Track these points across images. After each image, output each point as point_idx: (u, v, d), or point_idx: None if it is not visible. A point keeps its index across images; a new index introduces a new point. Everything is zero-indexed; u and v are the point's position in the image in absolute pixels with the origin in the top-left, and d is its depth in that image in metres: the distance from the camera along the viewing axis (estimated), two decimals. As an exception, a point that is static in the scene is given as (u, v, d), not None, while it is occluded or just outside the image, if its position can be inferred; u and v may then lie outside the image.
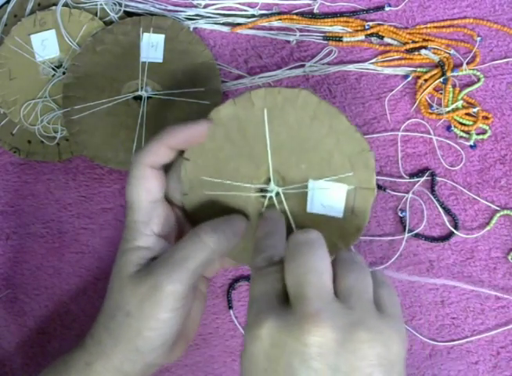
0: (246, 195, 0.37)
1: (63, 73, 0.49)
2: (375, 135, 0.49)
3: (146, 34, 0.48)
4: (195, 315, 0.39)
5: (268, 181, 0.37)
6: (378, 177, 0.48)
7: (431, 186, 0.48)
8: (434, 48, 0.50)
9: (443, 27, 0.51)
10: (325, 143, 0.36)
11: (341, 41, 0.50)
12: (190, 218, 0.38)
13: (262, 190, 0.37)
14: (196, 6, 0.52)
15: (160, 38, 0.48)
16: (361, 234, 0.37)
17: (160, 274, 0.33)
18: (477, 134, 0.49)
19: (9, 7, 0.50)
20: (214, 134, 0.36)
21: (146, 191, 0.35)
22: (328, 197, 0.36)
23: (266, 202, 0.37)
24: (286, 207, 0.37)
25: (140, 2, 0.51)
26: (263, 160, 0.36)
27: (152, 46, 0.48)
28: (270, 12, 0.52)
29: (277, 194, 0.37)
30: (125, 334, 0.34)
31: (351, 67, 0.50)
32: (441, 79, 0.49)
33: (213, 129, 0.36)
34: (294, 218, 0.37)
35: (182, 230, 0.38)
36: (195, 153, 0.37)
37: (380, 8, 0.51)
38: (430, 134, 0.49)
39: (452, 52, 0.50)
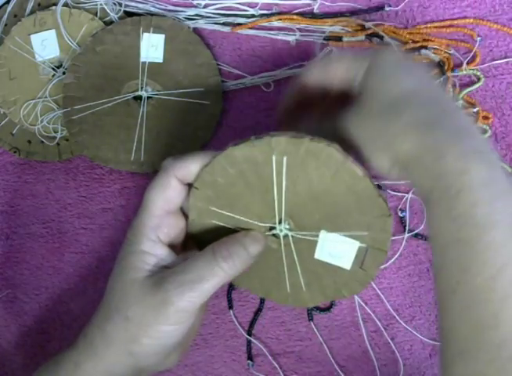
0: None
1: (63, 73, 0.49)
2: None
3: (146, 34, 0.48)
4: (194, 329, 0.38)
5: (278, 222, 0.36)
6: (378, 177, 0.48)
7: (431, 186, 0.48)
8: (434, 48, 0.50)
9: (443, 27, 0.51)
10: (344, 201, 0.34)
11: (341, 41, 0.50)
12: (195, 240, 0.38)
13: (271, 230, 0.37)
14: (196, 6, 0.52)
15: (160, 38, 0.48)
16: (365, 288, 0.37)
17: (172, 290, 0.33)
18: (481, 133, 0.49)
19: (9, 7, 0.50)
20: (227, 171, 0.34)
21: (165, 200, 0.35)
22: (338, 248, 0.36)
23: (282, 242, 0.37)
24: (294, 250, 0.37)
25: (140, 2, 0.51)
26: (276, 202, 0.35)
27: (152, 46, 0.48)
28: (270, 12, 0.52)
29: (285, 236, 0.36)
30: (120, 337, 0.34)
31: (351, 67, 0.50)
32: (441, 79, 0.49)
33: (226, 166, 0.34)
34: (300, 261, 0.37)
35: (188, 241, 0.38)
36: (206, 183, 0.35)
37: (380, 8, 0.51)
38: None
39: (452, 52, 0.50)
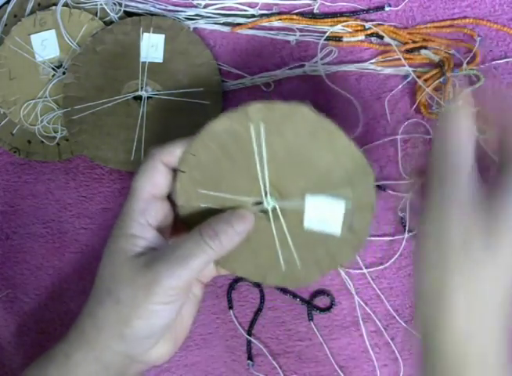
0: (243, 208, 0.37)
1: (63, 73, 0.49)
2: (377, 143, 0.49)
3: (146, 34, 0.48)
4: (186, 317, 0.39)
5: (265, 196, 0.36)
6: (378, 178, 0.48)
7: (431, 186, 0.48)
8: (434, 48, 0.50)
9: (443, 27, 0.51)
10: (323, 160, 0.35)
11: (341, 41, 0.50)
12: (187, 225, 0.38)
13: (260, 205, 0.37)
14: (196, 6, 0.52)
15: (160, 38, 0.48)
16: (358, 252, 0.37)
17: (162, 268, 0.33)
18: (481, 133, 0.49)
19: (9, 7, 0.50)
20: (209, 147, 0.36)
21: (152, 183, 0.36)
22: (325, 213, 0.36)
23: (271, 216, 0.36)
24: (283, 222, 0.37)
25: (140, 2, 0.51)
26: (260, 174, 0.36)
27: (152, 46, 0.48)
28: (270, 12, 0.52)
29: (274, 210, 0.36)
30: (111, 320, 0.34)
31: (351, 67, 0.50)
32: (441, 79, 0.49)
33: (208, 143, 0.35)
34: (292, 235, 0.37)
35: (178, 228, 0.39)
36: (191, 165, 0.36)
37: (380, 8, 0.51)
38: (430, 134, 0.49)
39: (452, 52, 0.50)
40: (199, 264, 0.34)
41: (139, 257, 0.35)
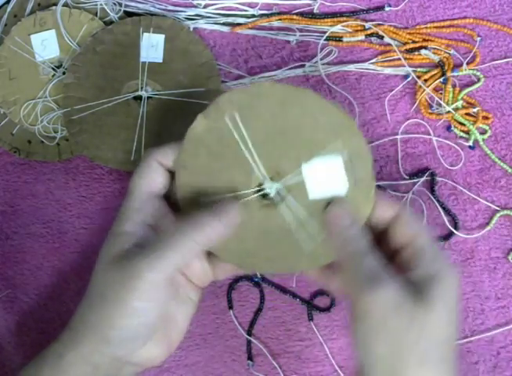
0: (247, 200, 0.36)
1: (63, 73, 0.49)
2: (377, 142, 0.49)
3: (146, 34, 0.48)
4: (181, 321, 0.38)
5: (264, 180, 0.36)
6: (378, 178, 0.48)
7: (431, 186, 0.48)
8: (434, 48, 0.50)
9: (443, 27, 0.51)
10: (304, 125, 0.35)
11: (341, 41, 0.50)
12: None
13: (263, 191, 0.36)
14: (196, 6, 0.52)
15: (160, 38, 0.48)
16: (374, 202, 0.36)
17: (142, 262, 0.33)
18: (481, 133, 0.49)
19: (9, 7, 0.50)
20: (197, 155, 0.36)
21: (147, 182, 0.36)
22: (326, 173, 0.35)
23: (280, 202, 0.36)
24: (291, 199, 0.36)
25: (140, 2, 0.51)
26: (252, 161, 0.36)
27: (152, 46, 0.48)
28: (270, 12, 0.52)
29: (279, 192, 0.36)
30: (97, 320, 0.34)
31: (351, 67, 0.50)
32: (441, 79, 0.49)
33: (194, 150, 0.36)
34: (303, 211, 0.36)
35: None
36: (185, 177, 0.36)
37: (380, 8, 0.51)
38: (430, 134, 0.49)
39: (452, 52, 0.50)
40: (179, 257, 0.33)
41: (127, 254, 0.34)
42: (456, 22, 0.51)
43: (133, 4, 0.51)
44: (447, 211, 0.48)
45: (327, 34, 0.50)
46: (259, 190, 0.36)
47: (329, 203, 0.36)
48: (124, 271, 0.33)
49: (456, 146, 0.49)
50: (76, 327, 0.35)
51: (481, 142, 0.49)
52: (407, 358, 0.32)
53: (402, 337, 0.32)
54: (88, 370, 0.34)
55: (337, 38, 0.50)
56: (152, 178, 0.36)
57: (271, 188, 0.36)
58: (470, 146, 0.49)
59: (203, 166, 0.36)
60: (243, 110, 0.35)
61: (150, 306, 0.34)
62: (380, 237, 0.36)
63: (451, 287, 0.33)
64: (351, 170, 0.35)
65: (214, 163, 0.36)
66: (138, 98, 0.48)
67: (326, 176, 0.36)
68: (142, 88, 0.48)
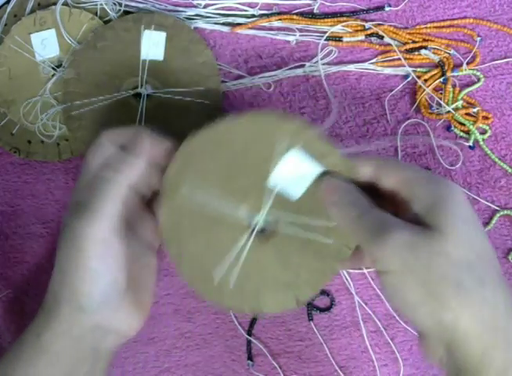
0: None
1: (63, 72, 0.49)
2: (377, 142, 0.49)
3: (147, 32, 0.48)
4: (144, 283, 0.38)
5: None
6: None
7: (431, 185, 0.48)
8: (434, 48, 0.50)
9: (443, 27, 0.51)
10: (253, 149, 0.36)
11: (341, 41, 0.50)
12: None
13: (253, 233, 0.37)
14: (196, 6, 0.52)
15: (161, 36, 0.48)
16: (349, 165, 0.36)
17: (79, 221, 0.33)
18: (481, 133, 0.49)
19: (9, 7, 0.50)
20: (179, 224, 0.37)
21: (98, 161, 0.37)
22: (294, 173, 0.36)
23: (277, 224, 0.37)
24: (285, 214, 0.36)
25: (140, 2, 0.51)
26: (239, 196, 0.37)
27: (153, 44, 0.48)
28: (270, 12, 0.52)
29: (266, 218, 0.37)
30: (65, 293, 0.34)
31: (351, 67, 0.50)
32: (441, 79, 0.49)
33: (176, 222, 0.37)
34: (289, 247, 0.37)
35: None
36: (178, 245, 0.37)
37: (380, 8, 0.51)
38: (429, 134, 0.49)
39: (452, 52, 0.50)
40: (111, 204, 0.34)
41: (70, 222, 0.35)
42: (456, 22, 0.51)
43: (133, 4, 0.51)
44: (447, 211, 0.48)
45: (327, 34, 0.50)
46: (252, 231, 0.37)
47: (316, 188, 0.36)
48: (68, 236, 0.34)
49: (455, 146, 0.49)
50: (48, 305, 0.35)
51: (481, 142, 0.49)
52: (442, 294, 0.30)
53: (428, 276, 0.30)
54: (68, 344, 0.34)
55: (337, 38, 0.50)
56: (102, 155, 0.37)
57: (258, 221, 0.36)
58: (470, 146, 0.49)
59: (193, 239, 0.36)
60: (191, 174, 0.36)
61: (109, 264, 0.34)
62: (373, 194, 0.36)
63: (454, 204, 0.32)
64: (311, 151, 0.36)
65: (201, 234, 0.36)
66: (138, 95, 0.48)
67: (293, 173, 0.36)
68: (141, 85, 0.48)
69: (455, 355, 0.30)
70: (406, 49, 0.50)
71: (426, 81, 0.50)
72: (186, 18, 0.51)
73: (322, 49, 0.51)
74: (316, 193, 0.36)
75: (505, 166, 0.49)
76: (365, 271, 0.47)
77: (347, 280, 0.47)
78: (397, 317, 0.47)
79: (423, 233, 0.31)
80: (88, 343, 0.35)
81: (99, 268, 0.34)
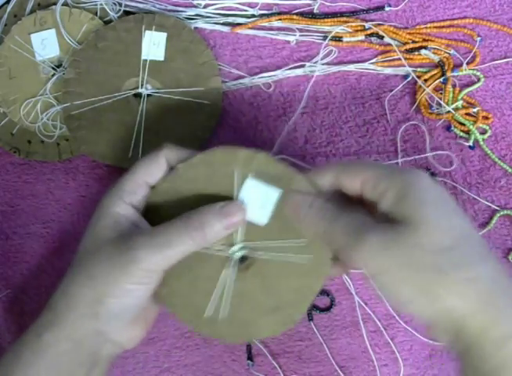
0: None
1: (63, 73, 0.49)
2: (377, 143, 0.49)
3: (148, 32, 0.48)
4: (154, 303, 0.39)
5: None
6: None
7: (431, 185, 0.48)
8: (434, 48, 0.50)
9: (443, 27, 0.51)
10: (212, 184, 0.37)
11: (341, 41, 0.50)
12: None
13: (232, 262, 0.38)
14: (196, 6, 0.52)
15: (162, 37, 0.48)
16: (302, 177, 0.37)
17: (140, 252, 0.33)
18: (481, 133, 0.49)
19: (9, 7, 0.50)
20: (180, 278, 0.37)
21: (147, 171, 0.37)
22: (256, 200, 0.36)
23: (254, 251, 0.37)
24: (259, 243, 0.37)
25: (140, 2, 0.51)
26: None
27: (154, 44, 0.48)
28: (270, 12, 0.52)
29: (242, 248, 0.37)
30: (84, 297, 0.34)
31: (351, 67, 0.50)
32: (441, 79, 0.49)
33: (177, 276, 0.37)
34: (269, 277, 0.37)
35: None
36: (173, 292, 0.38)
37: (380, 8, 0.51)
38: (430, 134, 0.49)
39: (452, 52, 0.50)
40: (177, 253, 0.34)
41: (119, 235, 0.35)
42: (456, 22, 0.51)
43: (133, 4, 0.51)
44: (447, 211, 0.48)
45: (331, 35, 0.50)
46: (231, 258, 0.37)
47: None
48: (120, 255, 0.34)
49: (455, 146, 0.49)
50: (55, 305, 0.35)
51: (481, 142, 0.49)
52: (427, 285, 0.30)
53: (409, 272, 0.30)
54: (69, 346, 0.34)
55: (337, 38, 0.50)
56: (153, 169, 0.37)
57: (234, 253, 0.37)
58: (470, 146, 0.49)
59: (179, 278, 0.37)
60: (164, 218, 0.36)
61: (142, 289, 0.34)
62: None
63: (420, 191, 0.32)
64: (266, 176, 0.36)
65: (186, 272, 0.37)
66: (138, 95, 0.48)
67: (255, 199, 0.36)
68: (142, 85, 0.48)
69: (459, 336, 0.30)
70: (406, 49, 0.50)
71: (426, 81, 0.50)
72: (186, 18, 0.51)
73: (322, 49, 0.50)
74: (283, 215, 0.36)
75: (505, 166, 0.48)
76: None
77: (347, 280, 0.47)
78: (397, 317, 0.47)
79: (394, 230, 0.31)
80: (89, 348, 0.35)
81: (132, 290, 0.34)
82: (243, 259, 0.38)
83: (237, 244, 0.37)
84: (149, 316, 0.39)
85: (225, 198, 0.36)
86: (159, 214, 0.37)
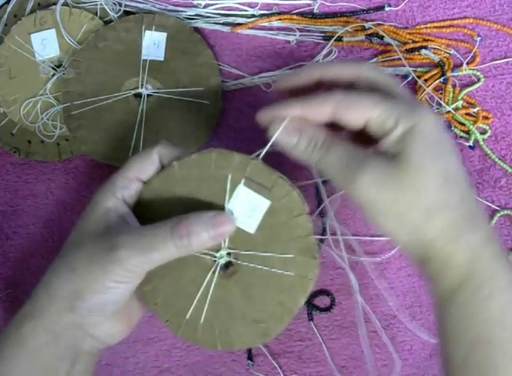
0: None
1: (63, 73, 0.49)
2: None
3: (148, 32, 0.48)
4: (136, 302, 0.39)
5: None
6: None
7: (431, 185, 0.48)
8: (434, 48, 0.50)
9: (443, 27, 0.51)
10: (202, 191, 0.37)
11: (341, 41, 0.50)
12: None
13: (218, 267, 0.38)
14: (196, 6, 0.52)
15: (162, 36, 0.48)
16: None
17: (123, 251, 0.33)
18: (481, 133, 0.49)
19: (9, 7, 0.50)
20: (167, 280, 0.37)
21: (140, 167, 0.37)
22: (247, 208, 0.36)
23: (242, 257, 0.37)
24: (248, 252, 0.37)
25: (140, 2, 0.51)
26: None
27: (154, 44, 0.48)
28: (270, 12, 0.52)
29: (229, 254, 0.37)
30: (64, 290, 0.34)
31: (351, 67, 0.50)
32: (441, 79, 0.49)
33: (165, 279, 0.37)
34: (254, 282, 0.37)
35: None
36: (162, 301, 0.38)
37: (380, 8, 0.51)
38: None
39: (452, 52, 0.50)
40: (160, 258, 0.34)
41: (105, 230, 0.35)
42: (456, 22, 0.51)
43: (133, 4, 0.51)
44: (447, 211, 0.48)
45: (327, 34, 0.50)
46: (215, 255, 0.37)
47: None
48: (102, 252, 0.34)
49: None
50: (36, 297, 0.35)
51: (481, 142, 0.49)
52: (414, 222, 0.32)
53: (399, 207, 0.32)
54: (48, 339, 0.34)
55: (337, 38, 0.50)
56: (145, 165, 0.37)
57: (219, 259, 0.37)
58: (470, 146, 0.49)
59: (163, 278, 0.37)
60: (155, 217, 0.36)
61: (122, 287, 0.34)
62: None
63: (423, 132, 0.32)
64: (258, 184, 0.36)
65: (172, 274, 0.37)
66: (138, 95, 0.48)
67: (245, 207, 0.36)
68: (142, 85, 0.48)
69: (428, 257, 0.33)
70: (406, 49, 0.50)
71: (426, 81, 0.50)
72: (186, 18, 0.51)
73: (322, 49, 0.50)
74: (271, 227, 0.36)
75: (505, 166, 0.48)
76: (365, 271, 0.47)
77: (347, 280, 0.47)
78: (397, 317, 0.47)
79: (391, 166, 0.32)
80: (67, 340, 0.35)
81: (112, 287, 0.34)
82: (228, 266, 0.38)
83: (224, 250, 0.37)
84: (134, 312, 0.39)
85: (215, 201, 0.36)
86: (149, 210, 0.37)
